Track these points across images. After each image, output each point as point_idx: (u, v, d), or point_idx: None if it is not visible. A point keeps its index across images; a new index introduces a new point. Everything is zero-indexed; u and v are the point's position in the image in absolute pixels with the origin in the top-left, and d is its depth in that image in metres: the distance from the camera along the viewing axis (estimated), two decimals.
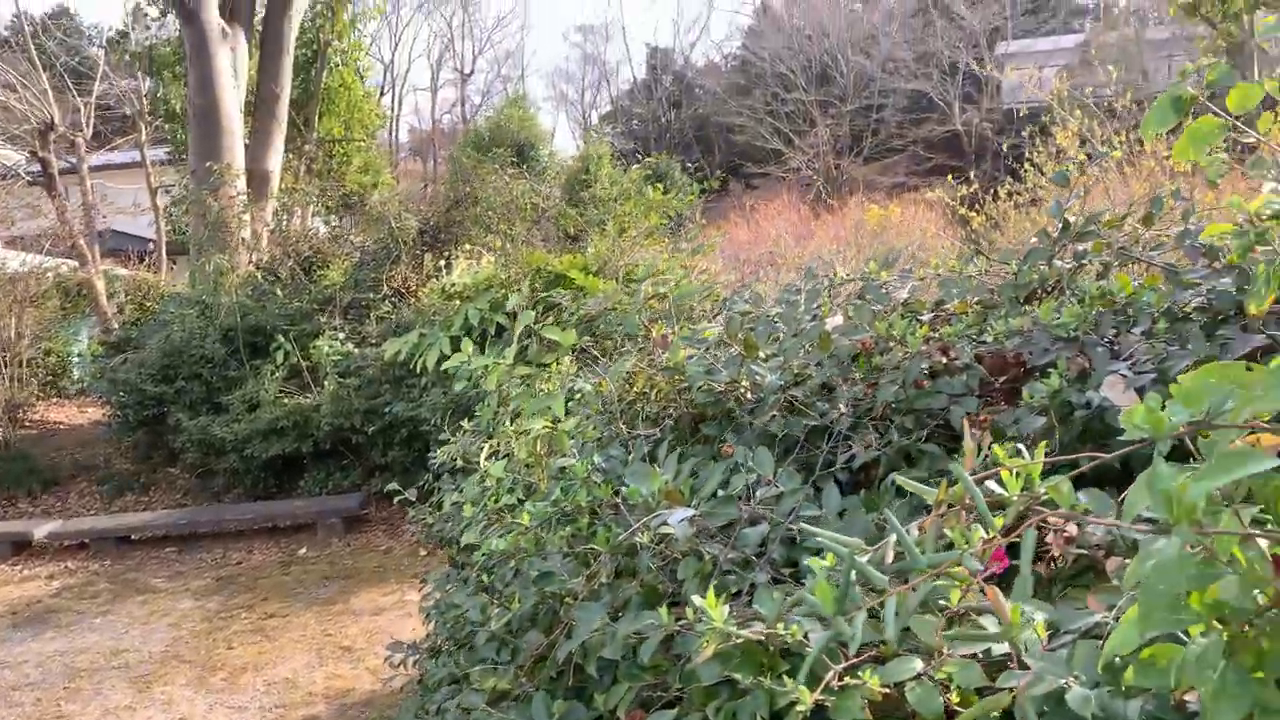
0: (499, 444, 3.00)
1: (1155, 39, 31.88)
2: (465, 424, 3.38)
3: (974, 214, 7.36)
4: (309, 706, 4.98)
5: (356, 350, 9.18)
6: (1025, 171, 7.18)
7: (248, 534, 8.24)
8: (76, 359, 14.29)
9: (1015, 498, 1.09)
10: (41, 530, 8.10)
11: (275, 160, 12.04)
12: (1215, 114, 1.59)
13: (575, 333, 2.82)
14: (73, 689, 5.32)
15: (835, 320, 2.79)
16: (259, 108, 12.09)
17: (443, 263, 9.48)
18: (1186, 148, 1.62)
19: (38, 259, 11.78)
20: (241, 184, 11.01)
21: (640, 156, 41.50)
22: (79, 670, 5.58)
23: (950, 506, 1.08)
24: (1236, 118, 1.40)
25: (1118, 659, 1.33)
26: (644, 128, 51.34)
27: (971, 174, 8.17)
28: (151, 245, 17.71)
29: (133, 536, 8.21)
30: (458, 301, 8.47)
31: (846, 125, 41.96)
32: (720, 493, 2.15)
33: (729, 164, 47.92)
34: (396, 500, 3.97)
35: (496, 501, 2.88)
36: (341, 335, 9.27)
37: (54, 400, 13.31)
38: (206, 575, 7.33)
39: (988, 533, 1.07)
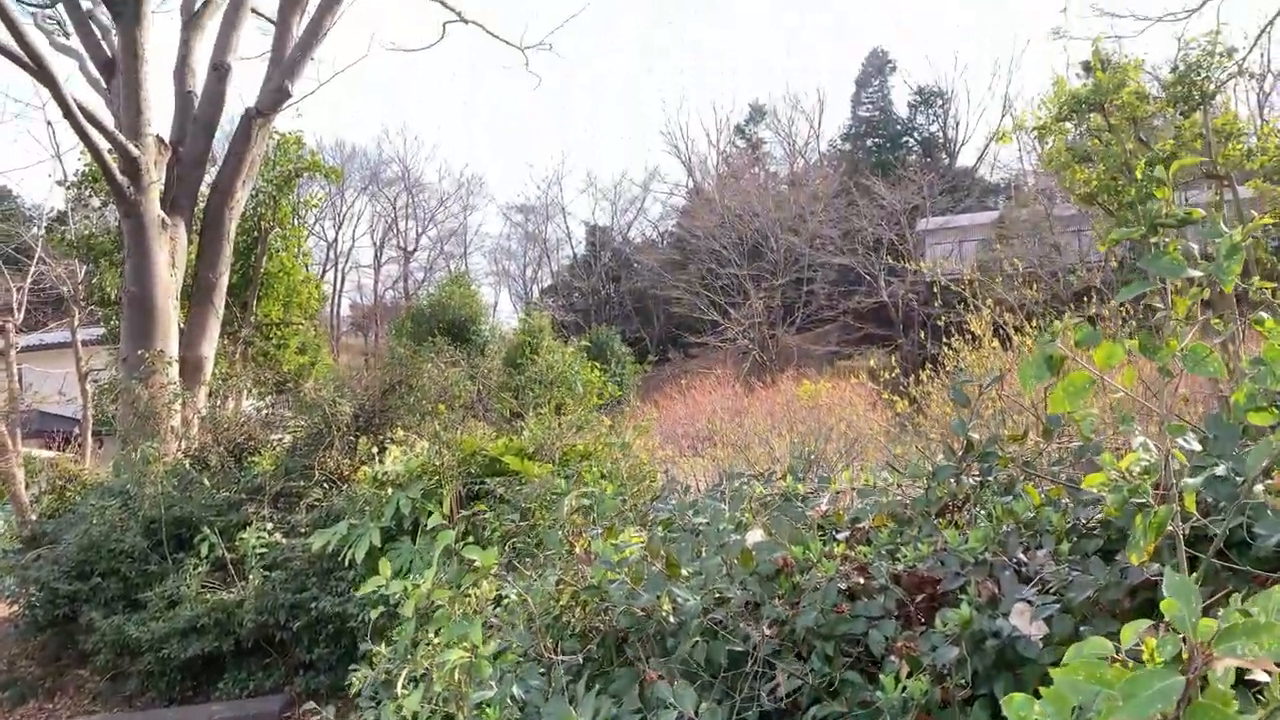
0: (417, 669, 2.90)
1: (1064, 215, 34.09)
2: (383, 649, 3.27)
3: (898, 399, 7.61)
4: None
5: (285, 540, 8.91)
6: (945, 356, 7.49)
7: None
8: None
9: None
10: None
11: (210, 346, 12.02)
12: (1084, 368, 1.70)
13: (496, 552, 2.79)
14: None
15: (755, 535, 2.81)
16: (196, 293, 12.16)
17: (376, 449, 9.39)
18: (1062, 401, 1.71)
19: None
20: (174, 372, 10.93)
21: (580, 328, 42.36)
22: None
23: None
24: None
25: None
26: (585, 300, 52.60)
27: (895, 348, 8.48)
28: (77, 429, 17.29)
29: None
30: (390, 490, 8.36)
31: (779, 297, 43.51)
32: None
33: (668, 334, 49.07)
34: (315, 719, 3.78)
35: None
36: (270, 525, 9.02)
37: None
38: None
39: None
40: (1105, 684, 1.00)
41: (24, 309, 15.94)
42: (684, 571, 2.75)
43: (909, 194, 40.68)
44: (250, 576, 8.50)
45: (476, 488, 8.04)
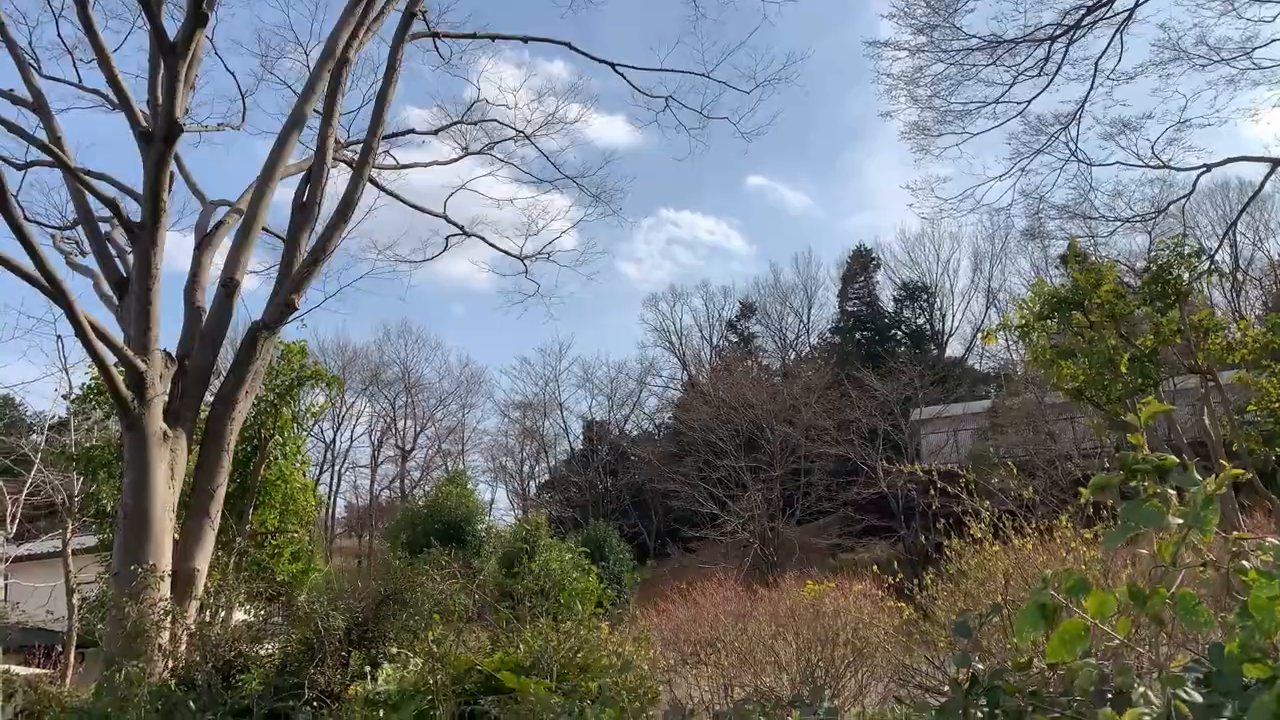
0: None
1: (1055, 403, 34.53)
2: None
3: (903, 605, 7.49)
4: None
5: None
6: (946, 563, 7.43)
7: None
8: None
9: None
10: None
11: (204, 558, 11.84)
12: (1079, 615, 1.72)
13: None
14: None
15: None
16: (193, 505, 12.09)
17: (368, 666, 9.10)
18: (1059, 650, 1.72)
19: None
20: (166, 588, 10.72)
21: (578, 523, 41.83)
22: None
23: None
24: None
25: None
26: (582, 495, 52.28)
27: (895, 563, 8.41)
28: (60, 644, 16.75)
29: None
30: (382, 711, 8.05)
31: (778, 488, 43.31)
32: None
33: (667, 528, 48.45)
34: None
35: None
36: None
37: None
38: None
39: None
40: None
41: (18, 521, 15.79)
42: None
43: (900, 385, 41.35)
44: None
45: (471, 708, 7.74)
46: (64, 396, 14.98)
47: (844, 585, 11.64)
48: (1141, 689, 1.66)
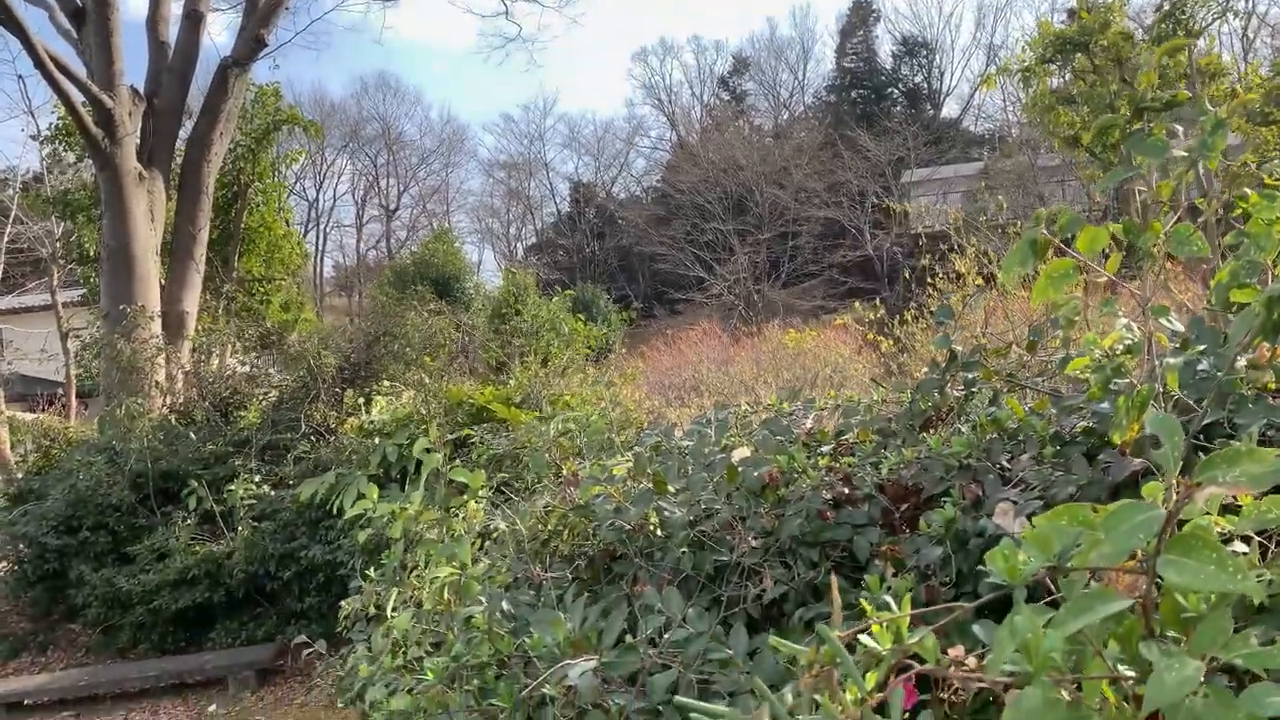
0: (407, 592, 2.92)
1: (1048, 165, 34.03)
2: (372, 572, 3.28)
3: (883, 339, 7.63)
4: None
5: (273, 492, 8.92)
6: (929, 297, 7.49)
7: (153, 692, 7.75)
8: None
9: (886, 651, 1.09)
10: None
11: (192, 301, 11.91)
12: (1069, 255, 1.69)
13: (484, 474, 2.79)
14: None
15: (742, 452, 2.82)
16: (176, 248, 12.02)
17: (362, 400, 9.36)
18: (1045, 288, 1.71)
19: None
20: (156, 326, 10.83)
21: (565, 286, 42.12)
22: None
23: (823, 667, 1.08)
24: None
25: None
26: (569, 258, 52.30)
27: (879, 300, 8.49)
28: (60, 390, 17.18)
29: (26, 702, 7.65)
30: (377, 439, 8.35)
31: (764, 252, 43.38)
32: (627, 639, 2.11)
33: (653, 291, 48.94)
34: (307, 654, 3.80)
35: (405, 654, 2.78)
36: (258, 478, 9.01)
37: None
38: None
39: (858, 693, 1.07)
40: (1088, 524, 1.00)
41: (1, 268, 15.73)
42: (670, 489, 2.76)
43: (894, 146, 40.50)
44: (239, 528, 8.52)
45: (462, 437, 8.03)
46: (32, 138, 14.49)
47: (826, 336, 11.87)
48: (1124, 319, 1.67)
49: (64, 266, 16.78)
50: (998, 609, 1.71)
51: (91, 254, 13.91)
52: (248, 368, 11.01)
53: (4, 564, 10.02)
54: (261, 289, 15.88)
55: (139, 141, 11.64)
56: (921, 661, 1.08)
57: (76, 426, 13.47)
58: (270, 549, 8.30)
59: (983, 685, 1.70)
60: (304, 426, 9.73)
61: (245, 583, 8.38)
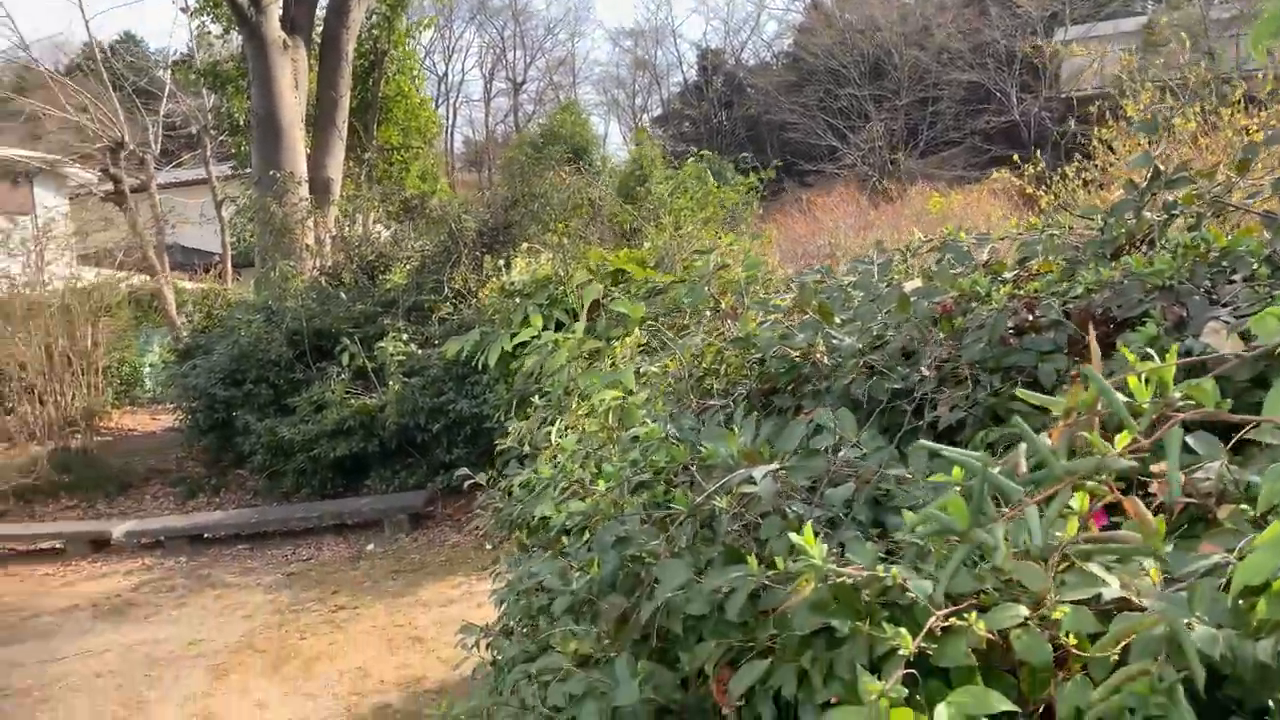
0: (569, 421, 2.98)
1: (1221, 18, 30.91)
2: (536, 399, 3.36)
3: (1043, 194, 7.17)
4: (381, 694, 5.01)
5: (420, 351, 9.28)
6: (1094, 148, 6.96)
7: (316, 531, 8.36)
8: (148, 368, 14.69)
9: (1150, 403, 1.01)
10: (119, 529, 8.31)
11: (336, 167, 12.25)
12: None
13: (643, 307, 2.78)
14: (153, 677, 5.43)
15: (913, 284, 2.71)
16: (319, 116, 12.31)
17: (501, 263, 9.53)
18: (1268, 31, 1.51)
19: (110, 272, 12.13)
20: (304, 191, 11.21)
21: (691, 159, 41.26)
22: (158, 659, 5.69)
23: (1080, 416, 1.01)
24: None
25: (1242, 602, 1.25)
26: (696, 130, 51.18)
27: (1036, 152, 7.96)
28: (217, 259, 18.15)
29: (205, 535, 8.38)
30: (517, 299, 8.52)
31: (902, 119, 41.36)
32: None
33: (782, 162, 47.61)
34: (467, 485, 3.97)
35: (569, 477, 2.86)
36: (405, 336, 9.37)
37: (127, 408, 13.69)
38: (277, 571, 7.45)
39: (1128, 436, 1.00)
40: None
41: (159, 142, 16.48)
42: (837, 320, 2.69)
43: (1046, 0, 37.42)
44: (390, 383, 8.91)
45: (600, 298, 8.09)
46: (181, 10, 14.91)
47: (974, 198, 11.31)
48: None
49: (215, 138, 17.46)
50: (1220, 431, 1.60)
51: (241, 123, 14.41)
52: (390, 233, 11.32)
53: (178, 418, 10.85)
54: (400, 157, 16.19)
55: (281, 11, 11.81)
56: (1193, 408, 1.01)
57: (234, 289, 14.26)
58: (419, 403, 8.69)
59: (1191, 501, 1.61)
60: (446, 289, 10.02)
61: (397, 434, 8.83)
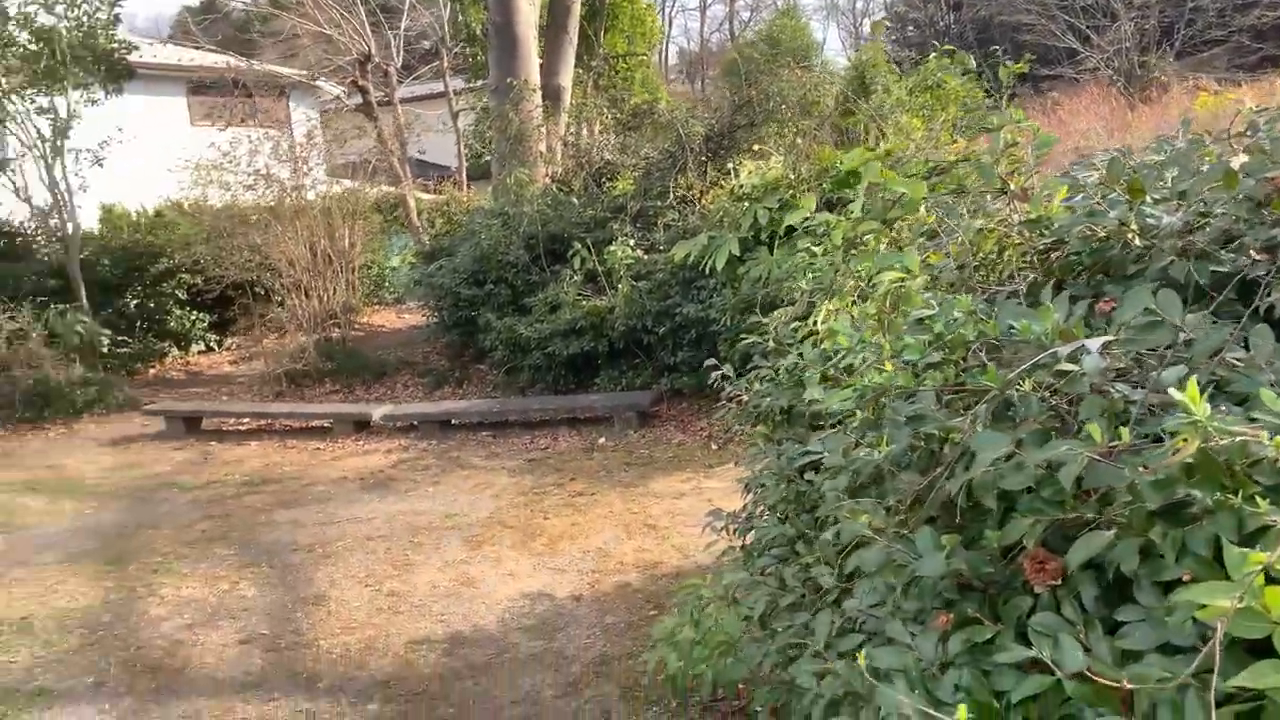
0: (839, 305, 2.94)
1: None
2: (802, 283, 3.33)
3: None
4: (621, 574, 5.26)
5: (646, 256, 9.44)
6: None
7: (551, 424, 8.80)
8: (391, 271, 15.78)
9: None
10: (378, 413, 9.09)
11: (567, 75, 12.48)
12: None
13: (924, 185, 2.67)
14: (416, 542, 5.96)
15: (1239, 159, 2.45)
16: (551, 24, 12.54)
17: (730, 167, 9.45)
18: None
19: (353, 184, 13.00)
20: (538, 99, 11.51)
21: (915, 64, 39.01)
22: (419, 528, 6.23)
23: None
24: None
25: None
26: (920, 33, 48.26)
27: None
28: (452, 171, 19.07)
29: (452, 421, 9.01)
30: (746, 204, 8.45)
31: (1154, 16, 37.26)
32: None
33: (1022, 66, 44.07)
34: (715, 375, 4.03)
35: (840, 363, 2.83)
36: (632, 242, 9.55)
37: (375, 307, 14.82)
38: (518, 457, 7.92)
39: None
40: None
41: (401, 55, 17.34)
42: (1149, 198, 2.48)
43: None
44: (619, 286, 9.14)
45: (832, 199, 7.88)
46: None
47: (1255, 95, 10.09)
48: None
49: (451, 49, 18.17)
50: None
51: (478, 32, 14.89)
52: (618, 140, 11.47)
53: (426, 315, 11.62)
54: (624, 65, 16.29)
55: None
56: None
57: (470, 197, 14.98)
58: (647, 306, 8.87)
59: None
60: (672, 195, 10.09)
61: (624, 335, 9.08)
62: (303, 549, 5.99)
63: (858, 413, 2.52)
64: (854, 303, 2.90)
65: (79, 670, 4.47)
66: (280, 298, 11.35)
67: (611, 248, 9.44)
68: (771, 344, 4.35)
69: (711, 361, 4.08)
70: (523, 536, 5.93)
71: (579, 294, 9.47)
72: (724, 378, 4.20)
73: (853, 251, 2.84)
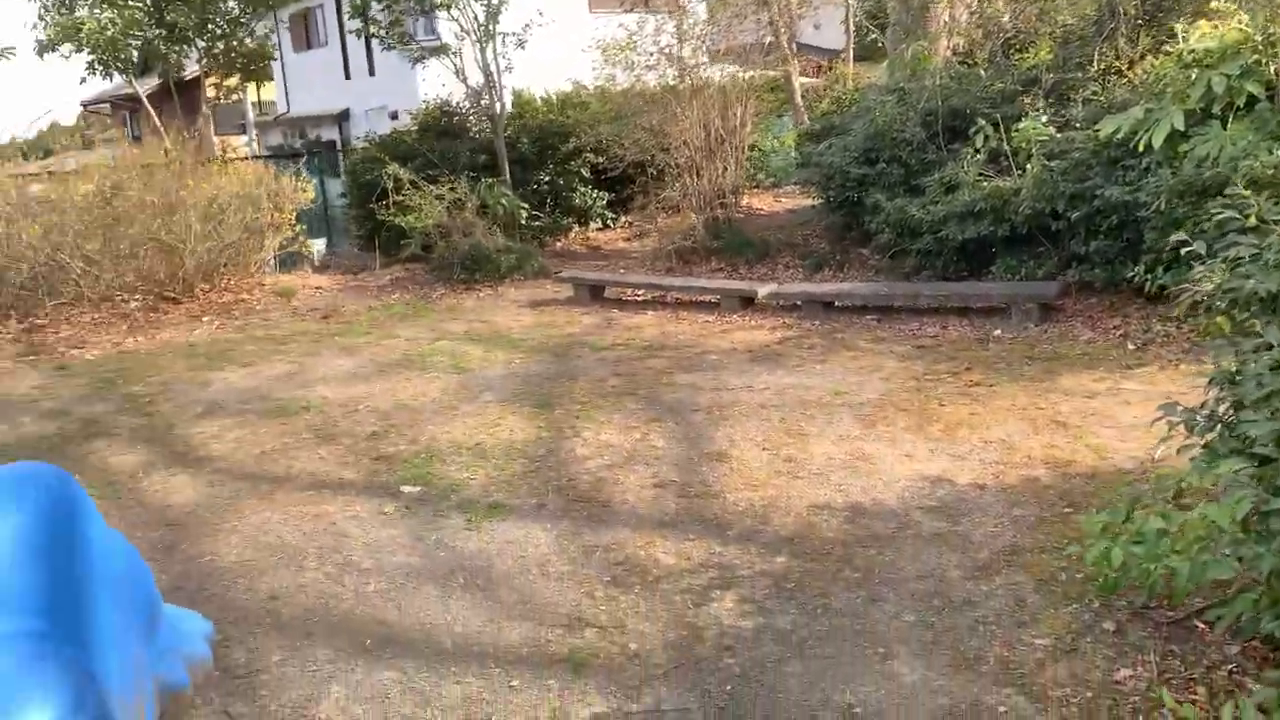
0: None
1: None
2: (1239, 189, 2.79)
3: None
4: (1028, 468, 4.97)
5: (1059, 134, 8.56)
6: None
7: (940, 311, 8.42)
8: (772, 153, 15.79)
9: None
10: (763, 290, 9.25)
11: None
12: None
13: None
14: (807, 415, 6.04)
15: None
16: None
17: (1177, 29, 8.20)
18: None
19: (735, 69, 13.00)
20: None
21: None
22: (809, 402, 6.30)
23: None
24: None
25: None
26: None
27: None
28: (840, 53, 18.48)
29: (835, 303, 8.94)
30: (1195, 70, 7.31)
31: None
32: None
33: None
34: (1137, 269, 3.57)
35: None
36: (1044, 118, 8.70)
37: (753, 190, 14.96)
38: (905, 343, 7.70)
39: None
40: None
41: None
42: None
43: None
44: (1028, 166, 8.40)
45: None
46: None
47: None
48: None
49: None
50: None
51: None
52: (1036, 6, 10.38)
53: (810, 196, 11.54)
54: None
55: None
56: None
57: (858, 74, 14.47)
58: (1060, 188, 8.07)
59: None
60: (1094, 67, 9.01)
61: (1029, 220, 8.36)
62: (702, 410, 6.31)
63: None
64: None
65: (524, 493, 5.10)
66: (672, 176, 11.80)
67: (1021, 124, 8.66)
68: (1253, 220, 3.78)
69: (1180, 236, 3.60)
70: (917, 420, 5.78)
71: (980, 174, 8.84)
72: (1194, 256, 3.72)
73: None
